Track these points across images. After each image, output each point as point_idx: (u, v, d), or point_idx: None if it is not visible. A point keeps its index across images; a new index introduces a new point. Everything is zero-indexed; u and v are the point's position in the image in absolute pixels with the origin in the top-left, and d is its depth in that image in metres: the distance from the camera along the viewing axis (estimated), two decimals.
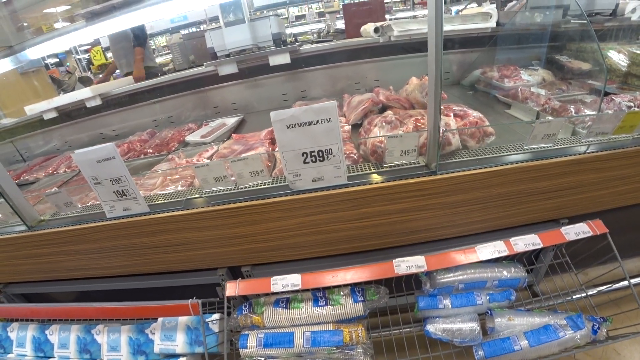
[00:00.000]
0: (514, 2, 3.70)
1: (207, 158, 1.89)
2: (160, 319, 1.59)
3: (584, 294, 1.62)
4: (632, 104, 1.75)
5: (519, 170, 1.39)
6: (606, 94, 1.96)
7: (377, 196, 1.33)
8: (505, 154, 1.45)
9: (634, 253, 2.05)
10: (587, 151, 1.46)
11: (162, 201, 1.54)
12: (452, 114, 1.65)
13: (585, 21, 1.75)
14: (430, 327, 1.48)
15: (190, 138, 2.23)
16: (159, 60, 5.12)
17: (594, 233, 1.44)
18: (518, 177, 1.41)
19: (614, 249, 1.44)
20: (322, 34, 4.13)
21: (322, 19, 7.43)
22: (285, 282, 1.38)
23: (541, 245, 1.41)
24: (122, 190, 1.45)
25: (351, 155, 1.50)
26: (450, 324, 1.48)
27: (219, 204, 1.40)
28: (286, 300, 1.46)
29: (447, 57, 2.54)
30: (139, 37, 3.22)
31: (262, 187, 1.44)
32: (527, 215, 1.56)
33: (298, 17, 9.10)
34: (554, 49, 2.41)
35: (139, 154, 2.21)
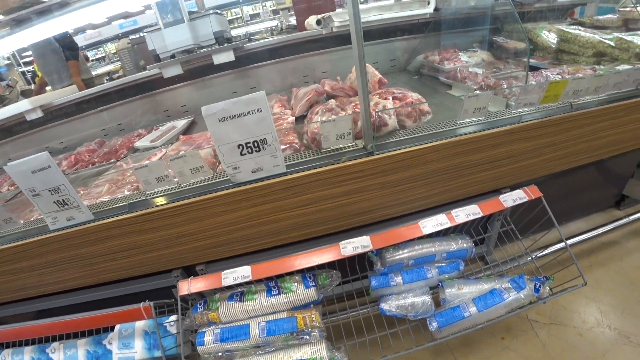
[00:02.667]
0: None
1: None
2: (117, 328, 1.56)
3: (529, 258, 1.71)
4: (559, 77, 1.85)
5: (454, 144, 1.45)
6: (538, 69, 2.07)
7: (317, 181, 1.35)
8: (441, 130, 1.51)
9: (574, 216, 2.18)
10: (519, 122, 1.53)
11: (107, 207, 1.51)
12: (390, 97, 1.70)
13: (510, 6, 1.84)
14: (384, 305, 1.52)
15: (139, 144, 2.19)
16: (108, 68, 4.96)
17: (530, 198, 1.52)
18: (454, 151, 1.47)
19: (549, 211, 1.53)
20: (275, 31, 4.13)
21: (276, 16, 7.44)
22: (236, 275, 1.38)
23: (481, 214, 1.47)
24: (63, 200, 1.41)
25: (293, 144, 1.52)
26: (403, 299, 1.52)
27: (163, 204, 1.39)
28: (240, 293, 1.47)
29: (392, 45, 2.60)
30: (70, 49, 3.07)
31: (206, 183, 1.44)
32: (469, 188, 1.63)
33: (252, 16, 9.06)
34: (493, 31, 2.51)
35: (87, 165, 2.15)
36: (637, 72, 1.61)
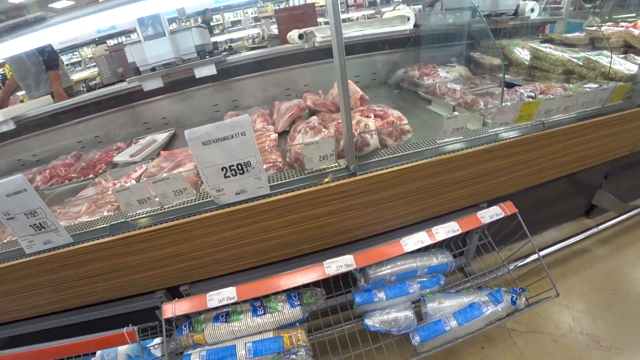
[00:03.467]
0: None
1: (136, 178, 1.83)
2: (98, 354, 1.52)
3: (506, 270, 1.78)
4: (532, 94, 1.93)
5: (434, 163, 1.49)
6: (512, 85, 2.16)
7: (300, 202, 1.36)
8: (421, 149, 1.55)
9: (547, 226, 2.28)
10: (495, 140, 1.60)
11: (86, 229, 1.47)
12: (372, 115, 1.73)
13: (484, 23, 1.91)
14: (368, 321, 1.55)
15: (118, 158, 2.15)
16: (85, 74, 4.79)
17: (506, 214, 1.58)
18: (434, 170, 1.51)
19: (524, 226, 1.59)
20: (256, 40, 4.11)
21: (257, 23, 7.39)
22: (221, 296, 1.38)
23: (460, 231, 1.52)
24: (40, 223, 1.37)
25: (276, 163, 1.53)
26: (387, 315, 1.55)
27: (146, 227, 1.37)
28: (226, 314, 1.46)
29: (373, 58, 2.65)
30: (50, 57, 2.95)
31: (189, 204, 1.43)
32: (448, 204, 1.68)
33: (234, 23, 8.95)
34: (470, 47, 2.61)
35: (63, 180, 2.08)
36: (603, 92, 1.70)
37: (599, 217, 2.34)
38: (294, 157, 1.50)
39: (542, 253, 1.91)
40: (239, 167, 1.29)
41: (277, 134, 1.83)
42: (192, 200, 1.44)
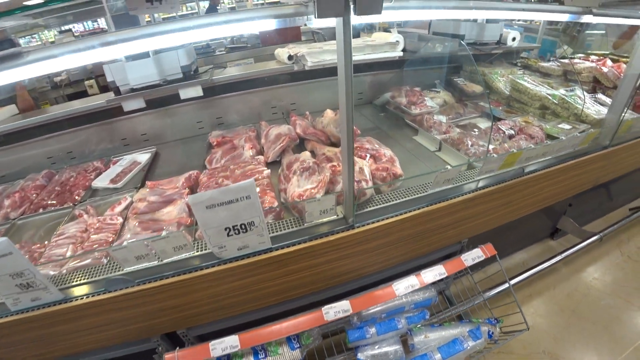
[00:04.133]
0: None
1: (120, 213, 1.77)
2: None
3: (482, 299, 1.94)
4: (512, 131, 2.05)
5: (426, 213, 1.58)
6: (493, 117, 2.26)
7: (300, 255, 1.40)
8: (414, 197, 1.62)
9: (517, 247, 2.49)
10: (479, 186, 1.70)
11: (78, 281, 1.42)
12: (367, 155, 1.77)
13: (467, 51, 1.98)
14: (361, 356, 1.65)
15: (98, 183, 2.04)
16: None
17: (486, 256, 1.72)
18: (425, 218, 1.60)
19: (501, 266, 1.74)
20: (234, 38, 3.94)
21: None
22: (224, 345, 1.41)
23: (446, 274, 1.64)
24: (27, 283, 1.31)
25: (273, 208, 1.54)
26: (378, 349, 1.66)
27: (144, 282, 1.35)
28: (227, 357, 1.50)
29: (360, 79, 2.65)
30: None
31: (189, 256, 1.42)
32: (435, 244, 1.79)
33: (210, 10, 8.31)
34: (454, 70, 2.70)
35: (36, 208, 1.93)
36: (575, 138, 1.84)
37: (563, 240, 2.58)
38: (292, 204, 1.52)
39: (512, 282, 2.08)
40: (242, 226, 1.29)
41: (269, 170, 1.81)
42: (191, 253, 1.42)
